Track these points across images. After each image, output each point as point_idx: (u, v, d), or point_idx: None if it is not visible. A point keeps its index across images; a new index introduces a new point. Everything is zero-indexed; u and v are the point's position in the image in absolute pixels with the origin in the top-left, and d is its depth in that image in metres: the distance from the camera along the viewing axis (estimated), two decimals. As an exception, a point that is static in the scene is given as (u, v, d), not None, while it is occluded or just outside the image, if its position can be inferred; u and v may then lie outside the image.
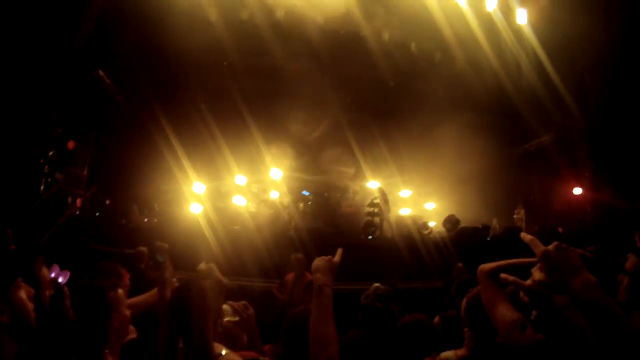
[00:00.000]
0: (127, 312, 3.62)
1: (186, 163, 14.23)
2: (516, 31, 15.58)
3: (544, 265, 2.01)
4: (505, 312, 2.86)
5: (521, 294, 2.48)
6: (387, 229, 15.03)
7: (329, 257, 3.10)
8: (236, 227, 13.36)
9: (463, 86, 17.30)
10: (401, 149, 17.52)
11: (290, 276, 10.22)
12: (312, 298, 2.98)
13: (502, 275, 2.31)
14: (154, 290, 4.61)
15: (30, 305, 4.08)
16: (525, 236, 2.15)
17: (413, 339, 4.23)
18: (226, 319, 4.78)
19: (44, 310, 4.45)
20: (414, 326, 4.31)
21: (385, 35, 17.42)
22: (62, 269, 6.10)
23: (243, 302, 4.80)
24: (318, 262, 3.09)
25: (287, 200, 15.29)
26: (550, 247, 2.01)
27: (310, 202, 16.40)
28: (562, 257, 1.98)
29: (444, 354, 4.10)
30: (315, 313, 2.93)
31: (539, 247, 2.05)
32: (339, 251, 3.15)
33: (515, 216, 15.62)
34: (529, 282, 2.08)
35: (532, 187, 17.59)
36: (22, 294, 4.06)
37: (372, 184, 16.10)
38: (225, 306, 4.71)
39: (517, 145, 18.48)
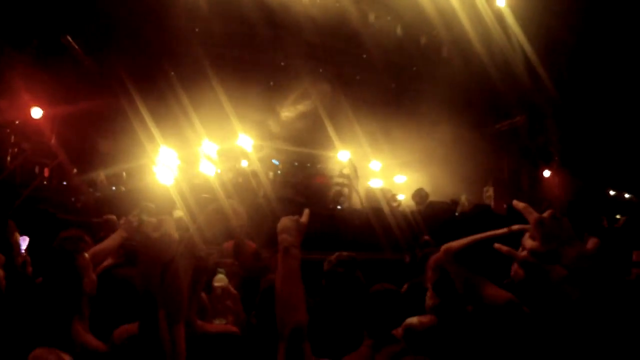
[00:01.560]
0: (94, 277, 3.61)
1: (155, 131, 14.11)
2: (495, 11, 15.63)
3: (538, 232, 2.00)
4: (495, 293, 2.84)
5: (515, 266, 2.48)
6: (356, 200, 15.13)
7: (296, 217, 3.02)
8: (205, 195, 13.30)
9: (439, 61, 17.38)
10: (372, 121, 17.55)
11: (229, 244, 9.65)
12: (278, 260, 2.89)
13: (496, 245, 2.28)
14: (115, 235, 4.62)
15: (1, 272, 4.06)
16: (518, 204, 2.12)
17: (383, 307, 4.24)
18: (216, 283, 4.84)
19: (18, 275, 4.44)
20: (384, 294, 4.33)
21: (359, 9, 17.39)
22: (27, 237, 6.05)
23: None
24: (285, 221, 3.00)
25: (256, 168, 15.24)
26: (545, 214, 2.01)
27: (280, 172, 16.39)
28: (556, 226, 1.98)
29: (408, 321, 4.12)
30: (281, 276, 2.84)
31: (533, 214, 2.03)
32: (306, 212, 3.08)
33: (484, 194, 15.77)
34: (522, 252, 2.06)
35: (502, 166, 17.79)
36: None
37: (342, 155, 16.12)
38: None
39: (491, 124, 18.64)
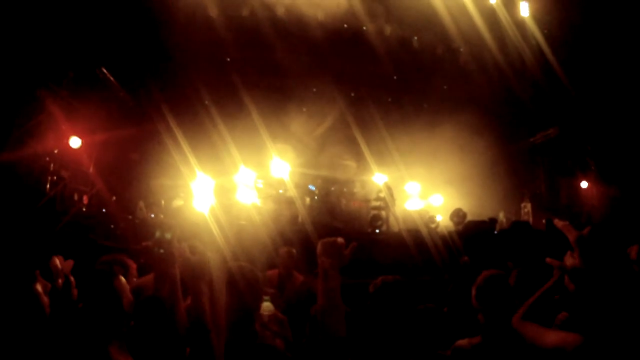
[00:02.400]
0: (131, 298, 3.72)
1: (192, 158, 14.21)
2: (519, 24, 15.57)
3: (579, 249, 1.96)
4: (561, 337, 2.80)
5: (566, 279, 2.44)
6: (394, 223, 15.04)
7: (334, 238, 2.99)
8: (242, 222, 13.32)
9: (467, 80, 17.31)
10: (406, 143, 17.50)
11: (274, 273, 9.49)
12: (319, 282, 2.88)
13: (548, 259, 2.25)
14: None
15: (45, 299, 4.15)
16: (558, 222, 2.10)
17: (428, 326, 4.21)
18: (264, 312, 4.87)
19: (60, 298, 4.50)
20: (429, 313, 4.30)
21: (388, 30, 17.45)
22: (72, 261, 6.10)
23: None
24: (324, 244, 2.99)
25: (293, 195, 15.23)
26: (585, 231, 1.98)
27: (316, 197, 16.36)
28: (596, 242, 1.95)
29: (458, 343, 4.08)
30: (322, 297, 2.83)
31: (573, 232, 2.01)
32: (352, 245, 3.04)
33: (522, 210, 15.59)
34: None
35: (538, 181, 17.59)
36: (39, 287, 4.16)
37: (378, 178, 16.07)
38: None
39: (524, 138, 18.45)
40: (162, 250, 3.91)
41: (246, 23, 16.54)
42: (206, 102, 16.80)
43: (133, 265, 4.93)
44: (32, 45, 12.09)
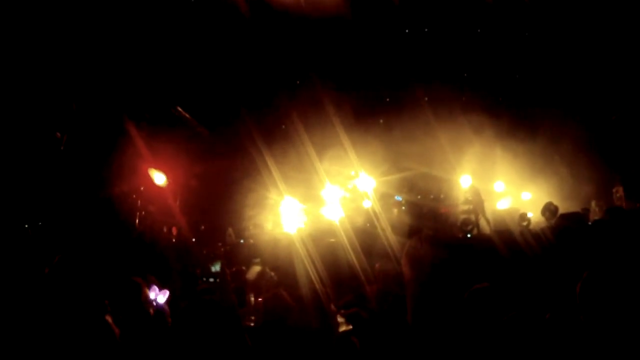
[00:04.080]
0: None
1: (276, 181, 14.33)
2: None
3: None
4: None
5: None
6: (485, 226, 14.79)
7: None
8: (332, 240, 13.31)
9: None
10: (491, 144, 17.22)
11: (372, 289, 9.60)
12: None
13: None
14: None
15: (116, 330, 4.38)
16: None
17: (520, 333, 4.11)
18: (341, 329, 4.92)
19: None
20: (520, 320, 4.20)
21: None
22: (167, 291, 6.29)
23: None
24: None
25: (377, 207, 15.15)
26: None
27: (404, 207, 16.23)
28: None
29: None
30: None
31: None
32: None
33: (614, 195, 15.04)
34: None
35: (628, 161, 16.91)
36: (109, 319, 4.40)
37: (464, 180, 15.87)
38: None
39: (606, 118, 17.82)
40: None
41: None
42: (283, 126, 16.96)
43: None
44: (111, 89, 12.51)
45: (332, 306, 5.54)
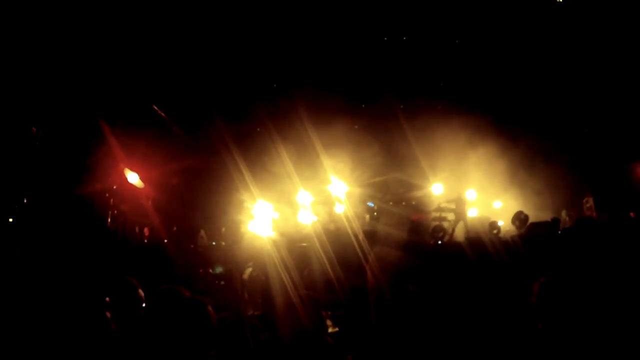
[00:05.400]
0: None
1: (250, 185, 14.33)
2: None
3: None
4: None
5: None
6: (459, 233, 14.90)
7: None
8: (304, 244, 13.34)
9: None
10: (457, 151, 17.36)
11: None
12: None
13: None
14: None
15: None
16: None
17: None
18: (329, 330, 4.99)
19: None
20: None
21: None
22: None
23: None
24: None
25: (351, 213, 15.21)
26: None
27: (375, 213, 16.30)
28: None
29: None
30: None
31: None
32: None
33: (584, 205, 15.23)
34: None
35: (598, 173, 17.11)
36: (108, 314, 4.63)
37: (436, 189, 15.99)
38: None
39: (576, 131, 18.05)
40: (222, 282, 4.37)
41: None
42: (259, 129, 16.98)
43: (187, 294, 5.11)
44: (87, 86, 12.50)
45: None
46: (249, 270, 10.79)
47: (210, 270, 10.98)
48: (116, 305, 4.89)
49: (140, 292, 5.33)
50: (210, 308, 4.09)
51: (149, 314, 4.99)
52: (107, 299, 4.73)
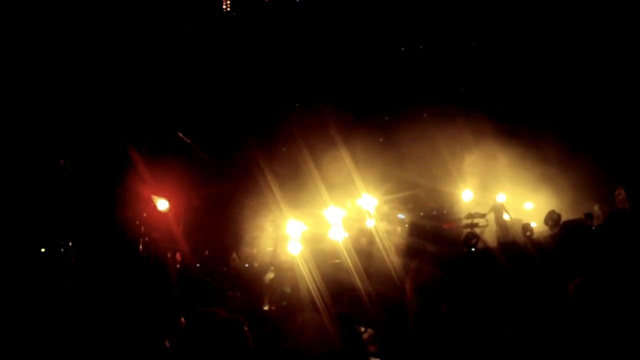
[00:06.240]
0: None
1: (280, 205, 14.34)
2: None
3: None
4: None
5: None
6: (490, 238, 14.77)
7: None
8: (337, 261, 13.30)
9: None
10: (494, 156, 17.24)
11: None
12: None
13: None
14: None
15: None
16: None
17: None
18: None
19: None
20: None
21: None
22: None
23: None
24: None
25: (380, 226, 15.13)
26: None
27: (407, 225, 16.23)
28: None
29: None
30: None
31: None
32: None
33: (617, 197, 14.97)
34: None
35: (627, 163, 16.84)
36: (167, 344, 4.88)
37: (466, 195, 15.89)
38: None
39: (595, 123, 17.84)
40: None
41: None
42: (284, 149, 17.02)
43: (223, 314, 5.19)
44: (113, 116, 12.65)
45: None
46: (270, 275, 10.79)
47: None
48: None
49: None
50: (246, 328, 4.10)
51: (188, 337, 5.06)
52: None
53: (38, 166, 11.38)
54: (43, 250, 11.27)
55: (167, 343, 4.83)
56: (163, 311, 5.45)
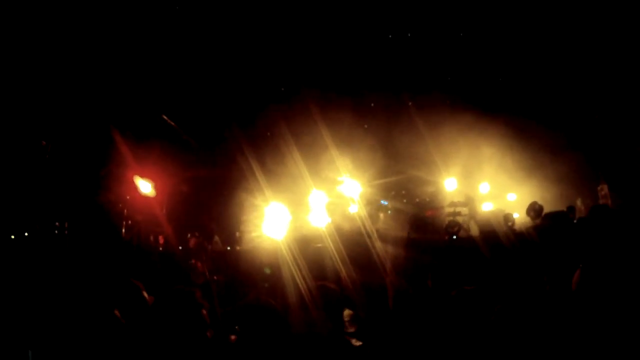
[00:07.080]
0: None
1: (262, 188, 14.31)
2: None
3: None
4: None
5: None
6: (474, 227, 14.84)
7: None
8: (319, 245, 13.33)
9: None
10: (476, 146, 17.32)
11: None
12: None
13: None
14: None
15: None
16: None
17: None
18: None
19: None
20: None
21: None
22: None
23: None
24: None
25: (364, 212, 15.16)
26: None
27: (389, 212, 16.27)
28: None
29: None
30: None
31: None
32: None
33: (599, 193, 15.12)
34: None
35: (610, 159, 17.00)
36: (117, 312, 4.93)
37: (449, 184, 15.92)
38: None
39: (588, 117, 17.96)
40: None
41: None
42: (269, 133, 16.99)
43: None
44: (97, 97, 12.56)
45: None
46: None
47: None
48: (124, 304, 5.16)
49: (145, 293, 5.49)
50: (198, 296, 4.40)
51: (158, 312, 5.10)
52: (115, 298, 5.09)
53: (19, 147, 11.33)
54: (23, 234, 11.23)
55: (116, 312, 4.89)
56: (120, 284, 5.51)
